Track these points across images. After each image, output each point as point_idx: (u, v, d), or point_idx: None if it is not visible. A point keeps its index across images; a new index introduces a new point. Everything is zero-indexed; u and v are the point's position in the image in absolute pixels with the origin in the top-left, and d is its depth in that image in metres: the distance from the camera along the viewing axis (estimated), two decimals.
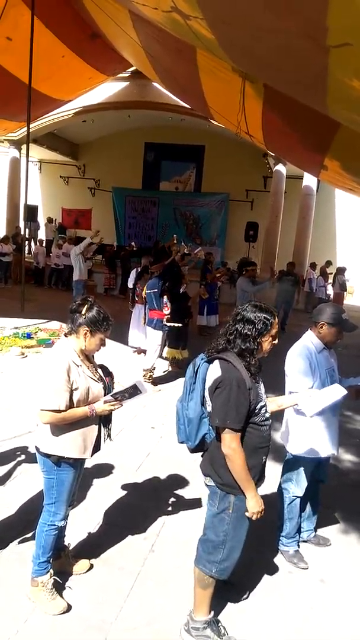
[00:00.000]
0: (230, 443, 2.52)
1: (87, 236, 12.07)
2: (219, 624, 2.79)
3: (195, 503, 4.06)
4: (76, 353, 2.76)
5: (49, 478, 2.82)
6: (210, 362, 2.67)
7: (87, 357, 2.87)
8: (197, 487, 4.23)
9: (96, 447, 2.88)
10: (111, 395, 2.76)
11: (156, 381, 7.27)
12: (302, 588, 3.27)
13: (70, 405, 2.69)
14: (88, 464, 3.17)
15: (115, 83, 16.09)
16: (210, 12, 4.27)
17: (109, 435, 2.95)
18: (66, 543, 3.21)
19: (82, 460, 2.90)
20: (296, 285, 13.10)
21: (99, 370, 2.93)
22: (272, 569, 3.42)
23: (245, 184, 20.85)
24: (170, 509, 4.01)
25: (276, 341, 2.69)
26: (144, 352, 7.92)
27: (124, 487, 4.24)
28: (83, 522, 3.64)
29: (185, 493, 4.24)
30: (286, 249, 17.48)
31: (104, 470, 4.43)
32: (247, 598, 3.11)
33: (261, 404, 2.63)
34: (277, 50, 4.28)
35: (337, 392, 3.00)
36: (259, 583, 3.26)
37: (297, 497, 3.50)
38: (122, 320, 7.83)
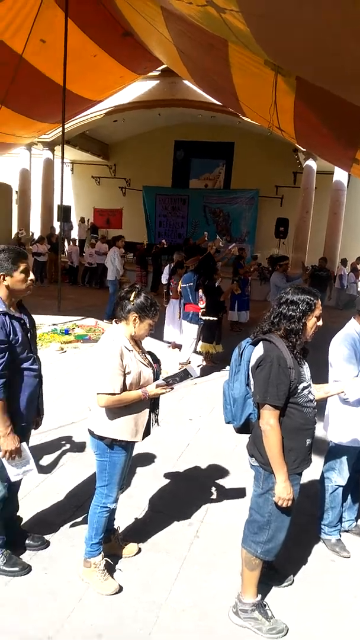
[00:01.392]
0: (268, 419, 2.56)
1: (120, 234, 12.30)
2: (266, 607, 2.83)
3: (237, 492, 4.11)
4: (127, 339, 2.84)
5: (102, 460, 2.90)
6: (254, 344, 2.72)
7: (137, 343, 2.94)
8: (238, 476, 4.29)
9: (146, 432, 2.94)
10: (163, 380, 2.83)
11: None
12: (344, 576, 3.29)
13: (124, 388, 2.76)
14: None
15: (145, 82, 16.22)
16: (246, 5, 4.30)
17: (156, 421, 3.02)
18: (115, 526, 3.30)
19: (133, 444, 2.98)
20: (328, 281, 12.97)
21: (148, 356, 3.01)
22: (315, 557, 3.45)
23: (275, 180, 20.72)
24: (212, 497, 4.08)
25: (320, 322, 2.71)
26: (179, 347, 8.01)
27: (166, 475, 4.32)
28: (129, 508, 3.73)
29: (226, 482, 4.30)
30: (316, 245, 17.34)
31: (146, 459, 4.52)
32: (291, 584, 3.14)
33: (304, 384, 2.65)
34: (314, 43, 4.29)
35: None
36: (302, 570, 3.29)
37: (340, 486, 3.51)
38: None
